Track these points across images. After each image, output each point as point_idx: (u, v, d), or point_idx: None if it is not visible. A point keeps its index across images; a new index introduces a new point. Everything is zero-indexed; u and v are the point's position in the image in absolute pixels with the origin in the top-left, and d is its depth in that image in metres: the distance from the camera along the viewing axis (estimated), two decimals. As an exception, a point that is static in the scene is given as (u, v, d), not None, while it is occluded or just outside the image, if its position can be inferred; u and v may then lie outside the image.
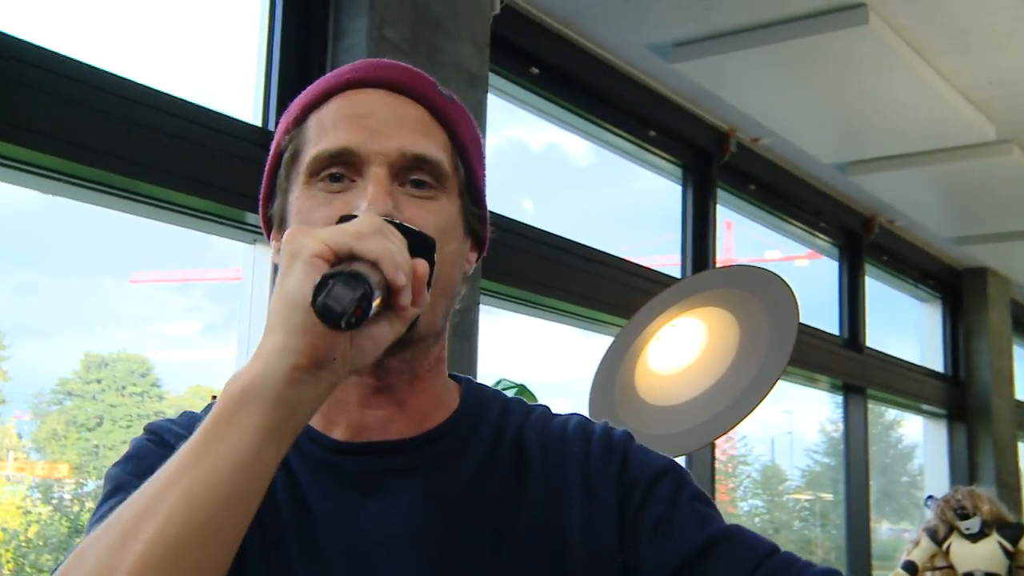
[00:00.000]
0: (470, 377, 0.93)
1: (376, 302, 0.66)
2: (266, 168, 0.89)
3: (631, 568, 0.81)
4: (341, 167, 0.81)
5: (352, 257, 0.67)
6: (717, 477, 3.73)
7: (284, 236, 0.72)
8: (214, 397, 0.77)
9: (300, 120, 0.86)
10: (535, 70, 3.09)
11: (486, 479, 0.82)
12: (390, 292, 0.68)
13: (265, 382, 0.67)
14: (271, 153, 0.88)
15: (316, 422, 0.85)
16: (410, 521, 0.79)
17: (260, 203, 0.90)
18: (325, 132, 0.83)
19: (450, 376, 0.90)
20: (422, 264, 0.71)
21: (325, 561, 0.78)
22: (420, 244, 0.74)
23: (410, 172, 0.82)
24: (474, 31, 2.58)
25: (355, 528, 0.79)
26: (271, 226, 0.89)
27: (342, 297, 0.64)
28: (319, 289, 0.64)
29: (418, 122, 0.84)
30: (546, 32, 3.05)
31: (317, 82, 0.88)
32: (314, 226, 0.74)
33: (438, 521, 0.79)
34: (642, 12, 2.96)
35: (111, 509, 0.69)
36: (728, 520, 0.85)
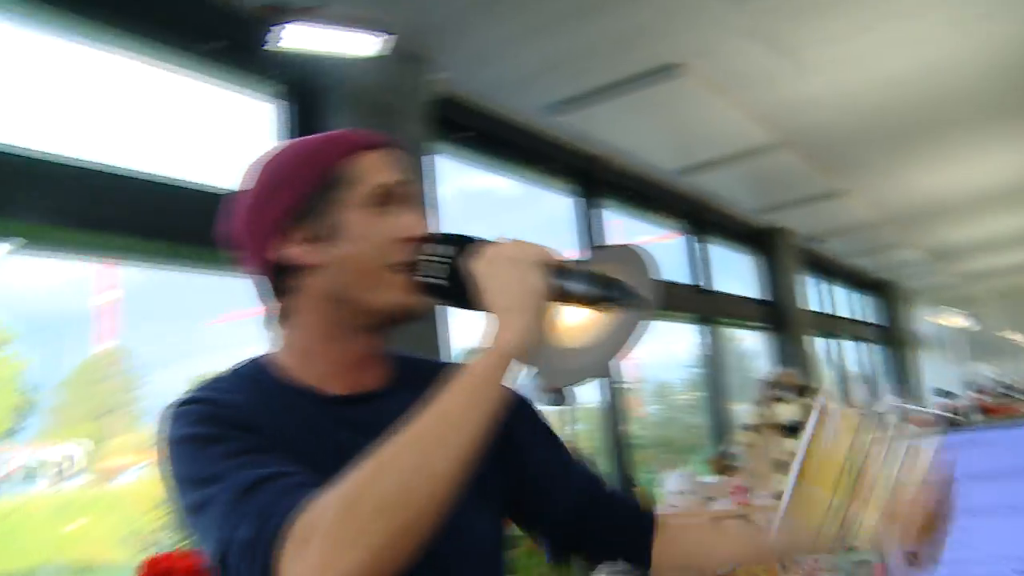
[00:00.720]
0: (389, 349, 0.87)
1: None
2: (296, 182, 0.78)
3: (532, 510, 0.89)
4: (388, 197, 0.78)
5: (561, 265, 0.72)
6: (629, 392, 3.78)
7: (497, 244, 0.72)
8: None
9: (349, 157, 0.78)
10: (469, 133, 3.10)
11: None
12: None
13: (515, 349, 0.68)
14: (311, 174, 0.78)
15: (313, 381, 0.79)
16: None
17: (277, 203, 0.78)
18: (381, 170, 0.79)
19: None
20: None
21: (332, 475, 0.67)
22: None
23: None
24: (420, 112, 2.61)
25: (353, 453, 0.67)
26: (292, 226, 0.77)
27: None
28: (612, 287, 0.73)
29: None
30: (470, 105, 3.08)
31: (350, 136, 0.81)
32: (381, 235, 0.76)
33: None
34: (532, 82, 3.01)
35: (238, 455, 0.66)
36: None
